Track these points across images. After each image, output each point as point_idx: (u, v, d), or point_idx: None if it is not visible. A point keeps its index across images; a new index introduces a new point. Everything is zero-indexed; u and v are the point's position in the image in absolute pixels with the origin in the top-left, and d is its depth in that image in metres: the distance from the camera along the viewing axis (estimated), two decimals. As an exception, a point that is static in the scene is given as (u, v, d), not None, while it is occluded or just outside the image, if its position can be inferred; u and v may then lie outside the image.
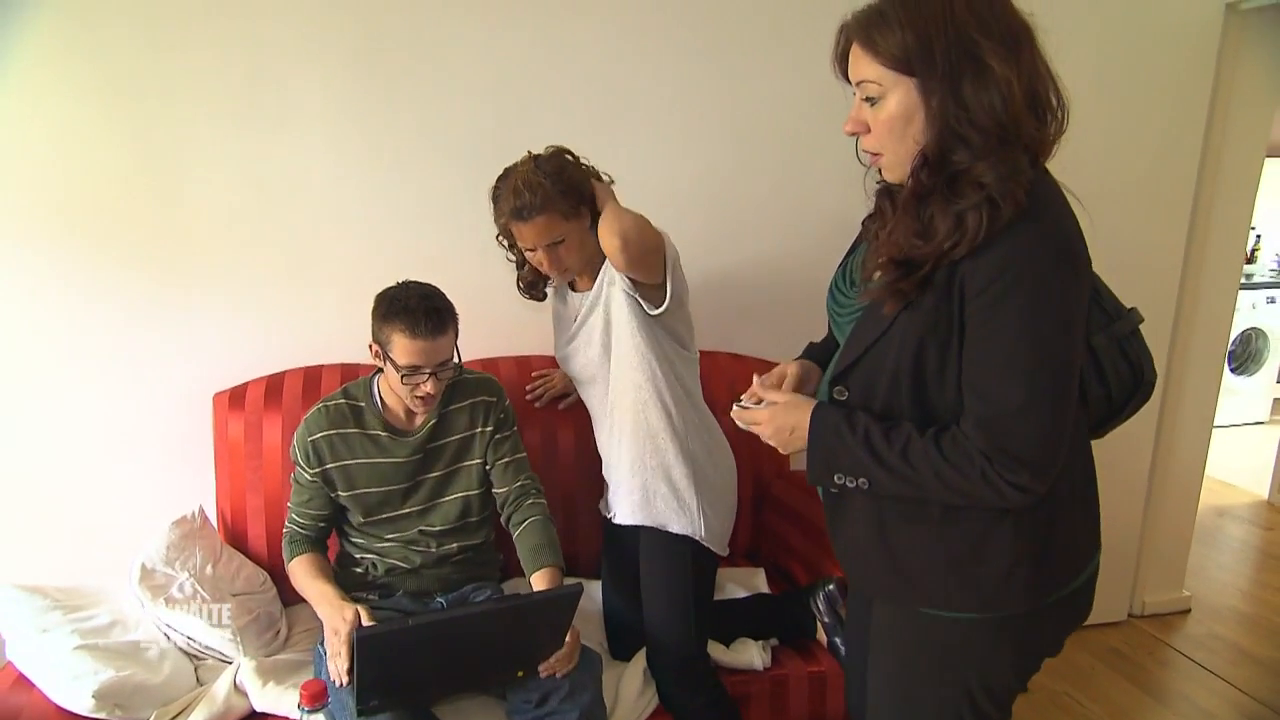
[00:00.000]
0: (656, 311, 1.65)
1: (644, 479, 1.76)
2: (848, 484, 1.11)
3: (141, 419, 2.00)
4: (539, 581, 1.68)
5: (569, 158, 1.67)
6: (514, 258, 1.80)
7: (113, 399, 1.98)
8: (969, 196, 0.98)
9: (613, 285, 1.67)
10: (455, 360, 1.68)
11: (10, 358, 1.92)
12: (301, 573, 1.68)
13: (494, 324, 2.11)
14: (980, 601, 1.11)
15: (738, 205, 2.32)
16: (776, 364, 1.29)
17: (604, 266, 1.68)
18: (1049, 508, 1.08)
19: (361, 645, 1.26)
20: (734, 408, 1.22)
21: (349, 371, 2.01)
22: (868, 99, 1.03)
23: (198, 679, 1.64)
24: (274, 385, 1.97)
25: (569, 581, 1.95)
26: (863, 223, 1.23)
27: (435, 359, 1.62)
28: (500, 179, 1.65)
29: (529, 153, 1.66)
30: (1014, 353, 0.99)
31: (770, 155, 2.30)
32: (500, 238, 1.73)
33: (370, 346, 1.67)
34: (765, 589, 2.04)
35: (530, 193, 1.58)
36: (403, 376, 1.62)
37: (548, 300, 1.89)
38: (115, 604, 1.67)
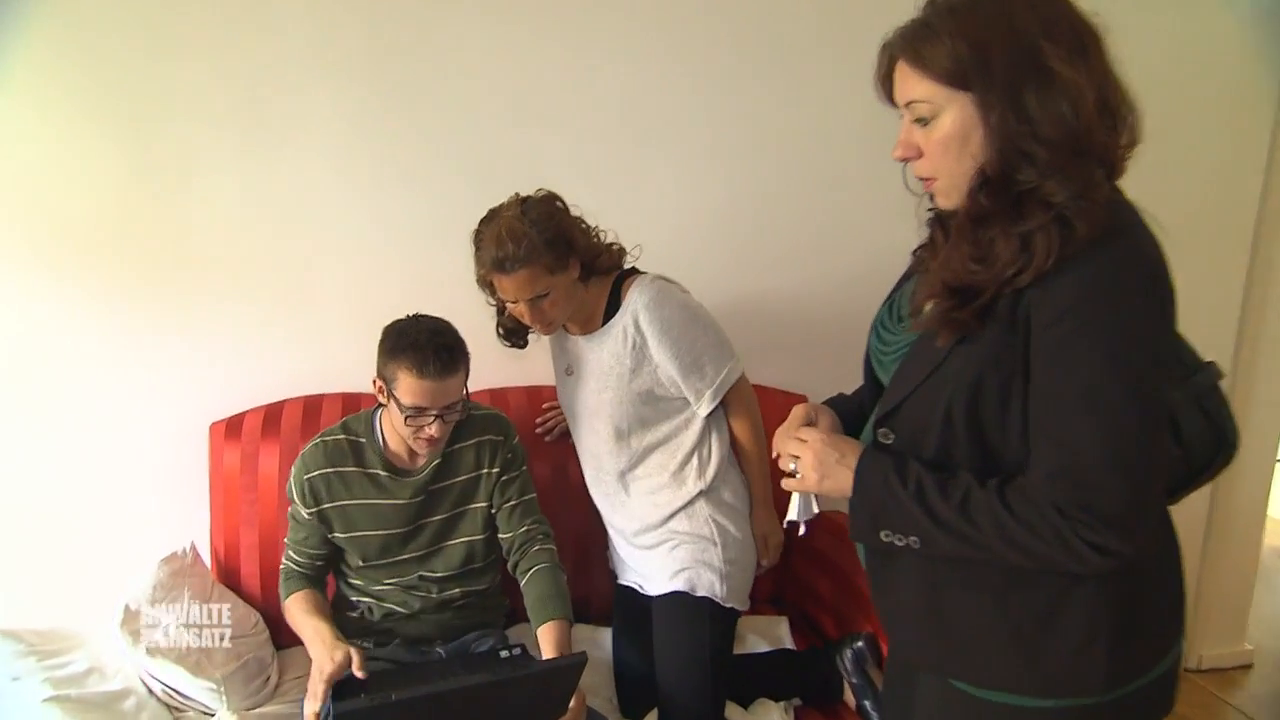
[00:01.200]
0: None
1: (671, 546, 1.66)
2: (895, 542, 0.98)
3: (135, 449, 1.90)
4: (545, 635, 1.55)
5: (559, 205, 1.59)
6: (494, 303, 1.70)
7: (105, 427, 1.89)
8: (1036, 216, 0.87)
9: (655, 368, 1.61)
10: (464, 401, 1.58)
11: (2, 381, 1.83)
12: (297, 610, 1.58)
13: (503, 351, 2.00)
14: (1048, 683, 0.96)
15: (771, 230, 2.19)
16: (802, 397, 1.17)
17: (627, 322, 1.59)
18: (1132, 575, 0.94)
19: None
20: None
21: (351, 402, 1.91)
22: (918, 120, 0.93)
23: (177, 733, 1.54)
24: (272, 415, 1.88)
25: (579, 629, 1.84)
26: (913, 253, 1.12)
27: (443, 400, 1.51)
28: (483, 223, 1.56)
29: (516, 195, 1.58)
30: (1096, 393, 0.86)
31: (809, 178, 2.17)
32: (482, 286, 1.63)
33: (374, 381, 1.57)
34: (788, 641, 1.89)
35: (514, 243, 1.48)
36: (406, 418, 1.51)
37: None
38: (95, 648, 1.58)
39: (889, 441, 1.01)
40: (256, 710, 1.57)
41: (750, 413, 1.69)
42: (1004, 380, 0.91)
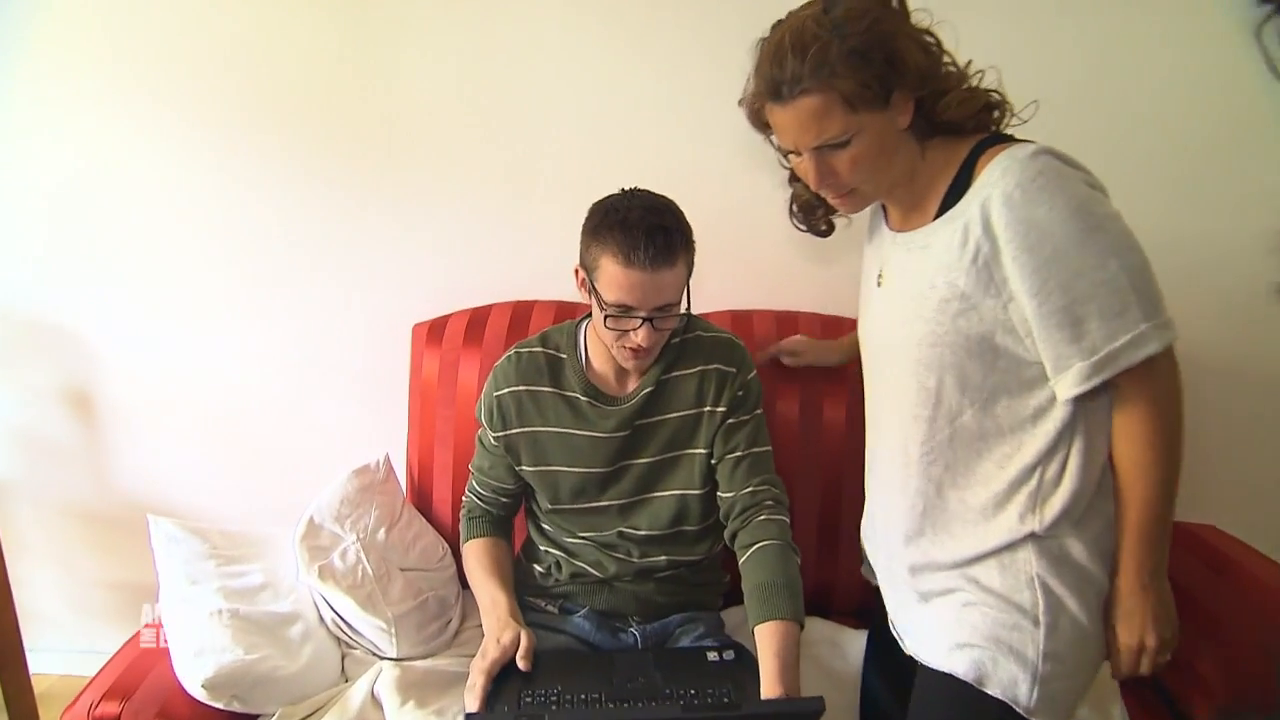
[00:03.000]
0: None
1: (963, 603, 1.06)
2: None
3: (338, 346, 1.77)
4: (765, 639, 1.16)
5: (891, 3, 1.00)
6: (786, 165, 1.14)
7: (308, 321, 1.77)
8: None
9: (1007, 301, 0.97)
10: (684, 306, 1.22)
11: (195, 265, 1.75)
12: (476, 564, 1.36)
13: (754, 264, 1.60)
14: None
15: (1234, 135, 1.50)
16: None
17: (971, 215, 0.96)
18: None
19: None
20: None
21: (565, 310, 1.61)
22: None
23: (343, 671, 1.36)
24: (477, 319, 1.63)
25: (817, 626, 1.44)
26: None
27: (654, 299, 1.16)
28: (772, 29, 1.02)
29: None
30: None
31: None
32: (754, 124, 1.10)
33: (576, 272, 1.25)
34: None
35: (798, 54, 0.94)
36: (607, 317, 1.19)
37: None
38: (274, 560, 1.45)
39: None
40: (425, 661, 1.36)
41: (1162, 418, 0.97)
42: None
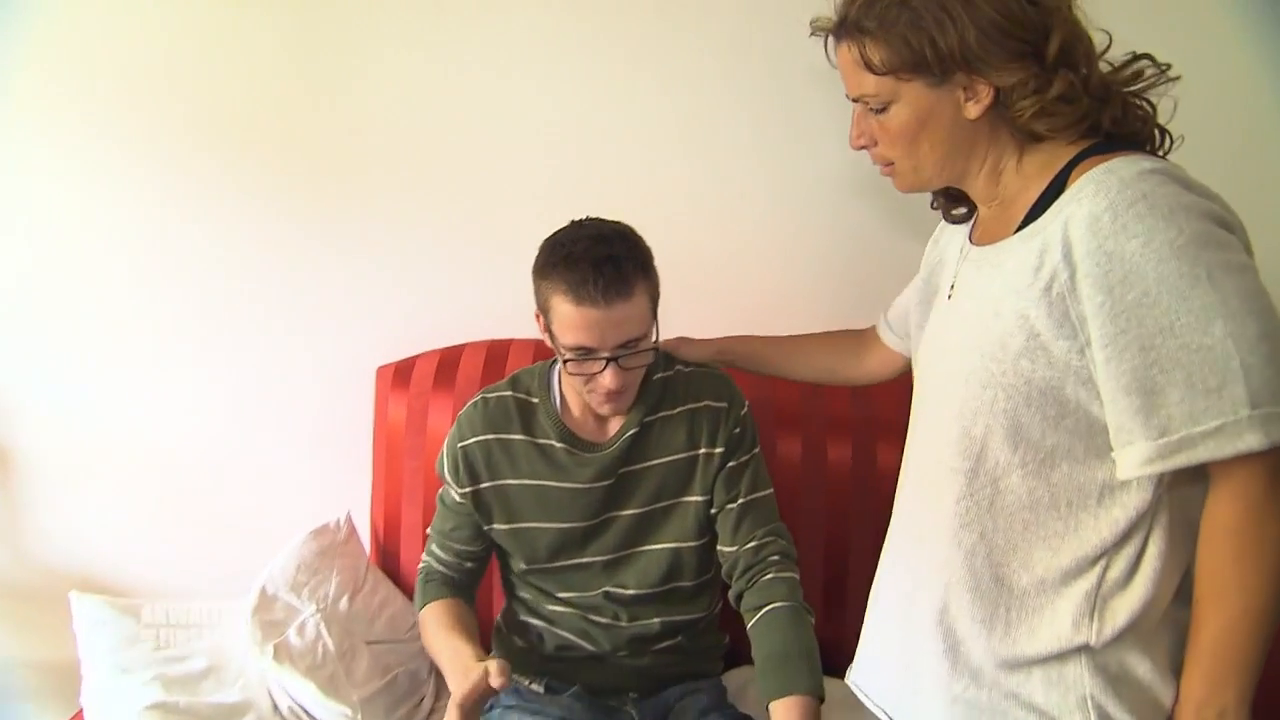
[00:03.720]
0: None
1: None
2: None
3: (291, 393, 1.61)
4: (782, 718, 1.04)
5: None
6: None
7: (256, 366, 1.60)
8: None
9: (1083, 345, 0.79)
10: (651, 340, 1.12)
11: (132, 309, 1.58)
12: (433, 623, 1.17)
13: (748, 294, 1.52)
14: None
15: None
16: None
17: (1050, 236, 0.79)
18: None
19: None
20: None
21: (545, 350, 1.47)
22: None
23: (301, 767, 1.21)
24: (449, 360, 1.50)
25: (828, 686, 1.31)
26: None
27: (613, 337, 1.07)
28: None
29: None
30: None
31: None
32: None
33: (536, 316, 1.15)
34: None
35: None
36: (567, 362, 1.09)
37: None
38: (220, 639, 1.29)
39: None
40: (398, 750, 1.21)
41: (1261, 530, 0.75)
42: None
